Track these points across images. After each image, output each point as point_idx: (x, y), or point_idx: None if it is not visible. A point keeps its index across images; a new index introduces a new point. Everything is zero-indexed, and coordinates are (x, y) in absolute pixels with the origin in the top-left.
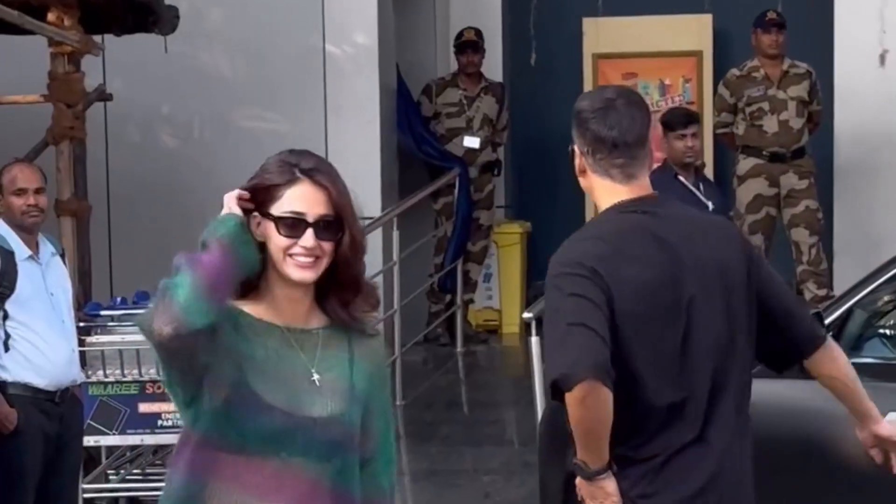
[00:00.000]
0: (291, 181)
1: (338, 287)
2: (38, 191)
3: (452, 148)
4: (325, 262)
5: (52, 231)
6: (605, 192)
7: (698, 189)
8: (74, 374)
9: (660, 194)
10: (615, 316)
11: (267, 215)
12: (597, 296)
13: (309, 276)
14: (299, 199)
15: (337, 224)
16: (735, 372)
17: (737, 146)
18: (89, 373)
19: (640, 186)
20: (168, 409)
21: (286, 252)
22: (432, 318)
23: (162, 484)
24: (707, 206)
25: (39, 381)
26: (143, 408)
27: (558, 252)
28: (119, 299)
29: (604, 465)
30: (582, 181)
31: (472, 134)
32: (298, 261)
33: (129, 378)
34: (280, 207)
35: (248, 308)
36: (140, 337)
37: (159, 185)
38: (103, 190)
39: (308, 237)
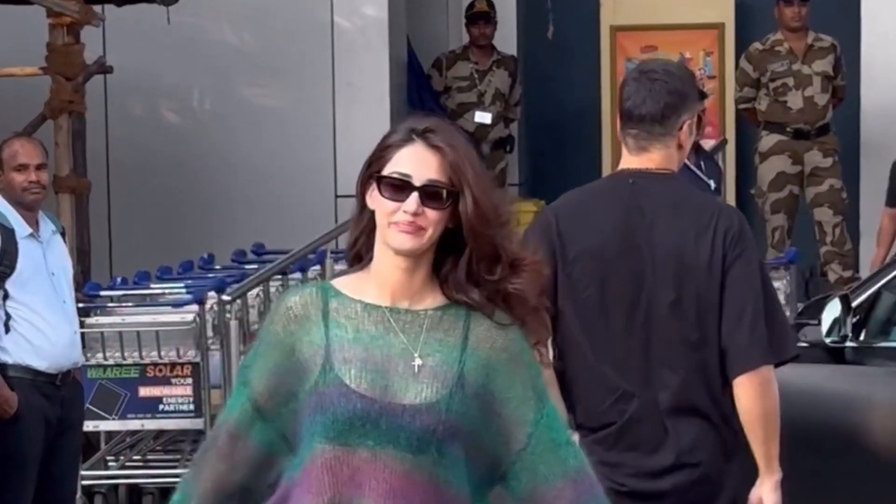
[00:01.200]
0: (404, 142)
1: (478, 261)
2: (39, 167)
3: (463, 124)
4: (430, 233)
5: (50, 208)
6: (622, 158)
7: (699, 168)
8: (76, 357)
9: (672, 172)
10: (562, 274)
11: (374, 177)
12: (541, 251)
13: (409, 244)
14: (408, 160)
15: (450, 192)
16: (690, 352)
17: (759, 122)
18: (88, 355)
19: (651, 160)
20: (170, 392)
21: (390, 218)
22: None
23: (163, 471)
24: (709, 185)
25: (40, 364)
26: (144, 391)
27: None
28: (119, 279)
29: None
30: None
31: (484, 109)
32: (400, 227)
33: (129, 361)
34: (388, 169)
35: (354, 285)
36: (141, 318)
37: (161, 160)
38: (103, 166)
39: (412, 201)
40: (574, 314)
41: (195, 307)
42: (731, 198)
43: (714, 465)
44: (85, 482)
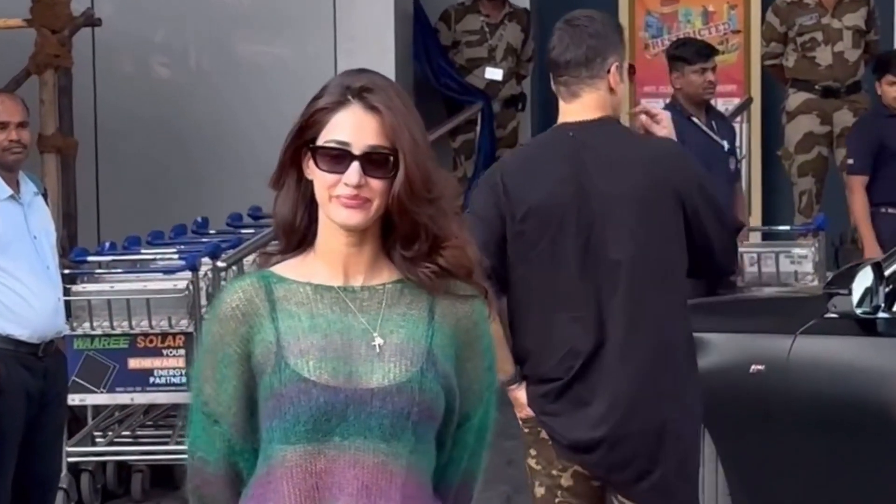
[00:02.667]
0: (340, 104)
1: (398, 237)
2: (21, 125)
3: (473, 80)
4: (377, 205)
5: (34, 169)
6: (561, 111)
7: (711, 128)
8: (60, 325)
9: (608, 118)
10: (512, 231)
11: (308, 147)
12: (488, 211)
13: (354, 219)
14: (345, 125)
15: (393, 158)
16: (648, 297)
17: (786, 79)
18: (74, 325)
19: (585, 106)
20: (161, 364)
21: (330, 192)
22: None
23: (154, 447)
24: (722, 147)
25: (22, 333)
26: (134, 363)
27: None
28: (108, 244)
29: (510, 377)
30: None
31: (495, 65)
32: (343, 201)
33: (118, 331)
34: (324, 137)
35: (296, 268)
36: (131, 285)
37: (153, 119)
38: (91, 125)
39: (352, 172)
40: (526, 271)
41: (188, 274)
42: (755, 160)
43: (657, 415)
44: (70, 459)
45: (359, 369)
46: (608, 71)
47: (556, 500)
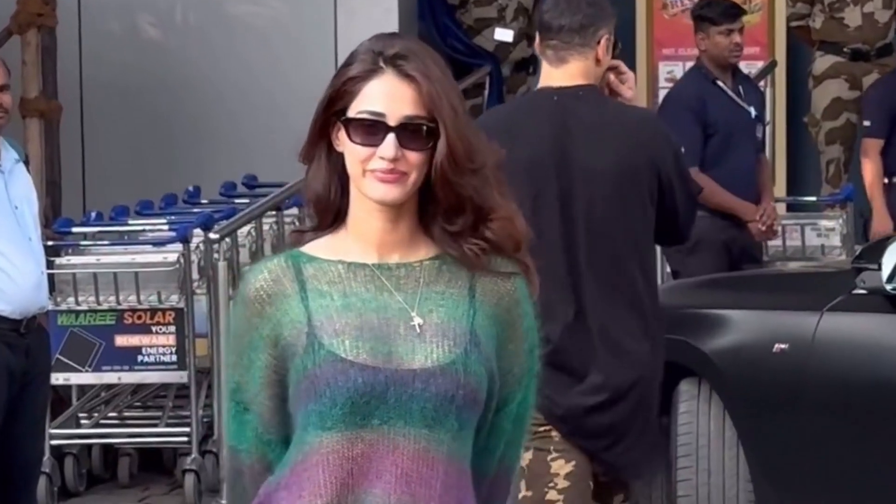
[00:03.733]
0: (372, 72)
1: (440, 211)
2: (1, 88)
3: (481, 42)
4: (414, 178)
5: (16, 135)
6: (543, 74)
7: (738, 93)
8: (42, 300)
9: (591, 87)
10: None
11: (340, 118)
12: None
13: (391, 194)
14: (379, 95)
15: (431, 128)
16: (624, 265)
17: (813, 42)
18: (58, 300)
19: (570, 73)
20: (150, 342)
21: (364, 166)
22: None
23: (142, 429)
24: (749, 113)
25: (3, 308)
26: (121, 341)
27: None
28: (94, 214)
29: None
30: None
31: (505, 25)
32: (378, 175)
33: (104, 306)
34: (356, 108)
35: (328, 246)
36: (118, 258)
37: (142, 82)
38: (76, 87)
39: (388, 145)
40: None
41: (179, 246)
42: (780, 127)
43: (632, 385)
44: (54, 442)
45: (399, 349)
46: (598, 42)
47: (549, 457)
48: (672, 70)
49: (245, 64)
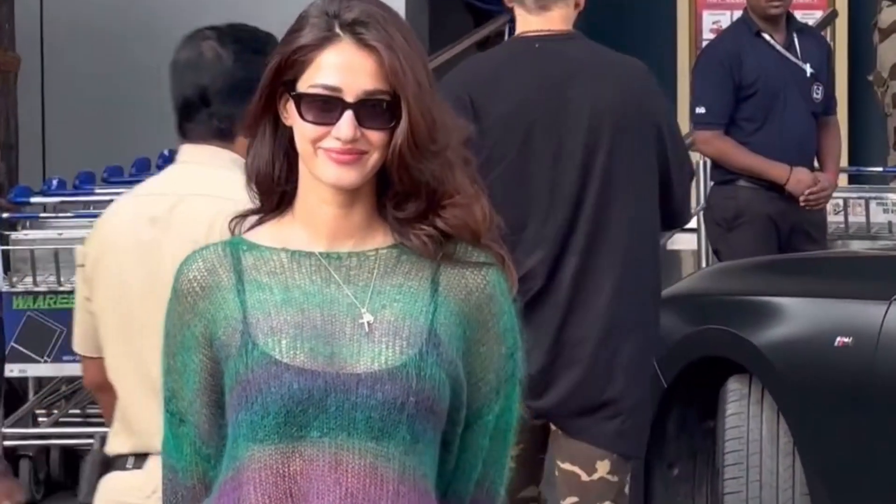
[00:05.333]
0: (326, 40)
1: (396, 197)
2: None
3: None
4: (374, 160)
5: None
6: (520, 21)
7: (792, 48)
8: None
9: (577, 32)
10: (477, 147)
11: (291, 92)
12: None
13: (348, 177)
14: (335, 67)
15: (393, 104)
16: (608, 213)
17: None
18: (14, 280)
19: (551, 20)
20: None
21: (316, 145)
22: None
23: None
24: (803, 71)
25: None
26: None
27: (451, 72)
28: (55, 182)
29: None
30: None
31: None
32: (333, 156)
33: (67, 287)
34: (308, 80)
35: (271, 233)
36: (83, 232)
37: (110, 32)
38: (36, 38)
39: (345, 124)
40: (490, 190)
41: None
42: (842, 86)
43: (609, 350)
44: (8, 443)
45: (342, 351)
46: None
47: None
48: (718, 20)
49: (229, 8)
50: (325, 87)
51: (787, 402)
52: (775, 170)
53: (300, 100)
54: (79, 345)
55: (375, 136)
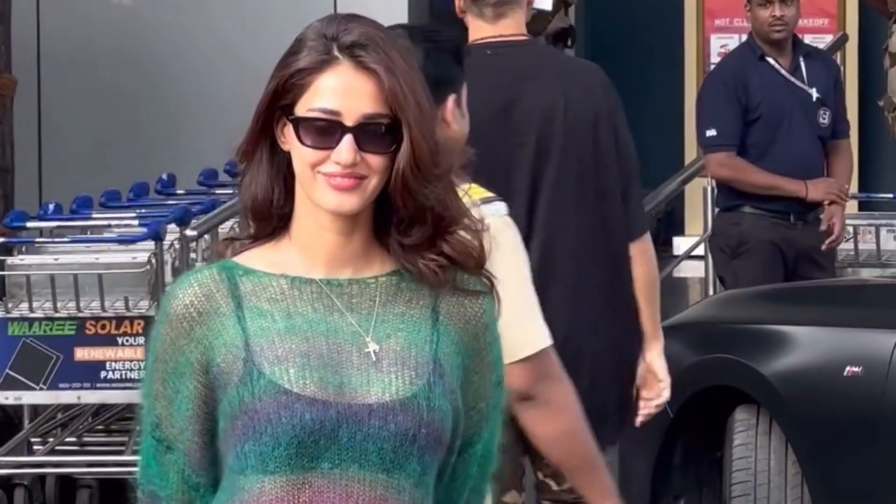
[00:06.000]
0: (325, 63)
1: (395, 221)
2: None
3: None
4: (374, 185)
5: None
6: (473, 29)
7: (798, 72)
8: None
9: (531, 38)
10: None
11: (288, 116)
12: None
13: (347, 204)
14: (334, 90)
15: (393, 127)
16: (569, 219)
17: (890, 13)
18: (10, 305)
19: (508, 26)
20: (115, 355)
21: (315, 169)
22: None
23: (104, 457)
24: (808, 95)
25: None
26: (81, 354)
27: None
28: (52, 206)
29: None
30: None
31: None
32: (333, 181)
33: (63, 314)
34: (306, 104)
35: (268, 257)
36: (80, 257)
37: (109, 53)
38: (33, 60)
39: (345, 148)
40: None
41: (150, 244)
42: (852, 111)
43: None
44: (3, 471)
45: (352, 381)
46: None
47: None
48: (726, 44)
49: (228, 30)
50: (324, 111)
51: (795, 433)
52: (792, 185)
53: (298, 124)
54: None
55: (375, 161)
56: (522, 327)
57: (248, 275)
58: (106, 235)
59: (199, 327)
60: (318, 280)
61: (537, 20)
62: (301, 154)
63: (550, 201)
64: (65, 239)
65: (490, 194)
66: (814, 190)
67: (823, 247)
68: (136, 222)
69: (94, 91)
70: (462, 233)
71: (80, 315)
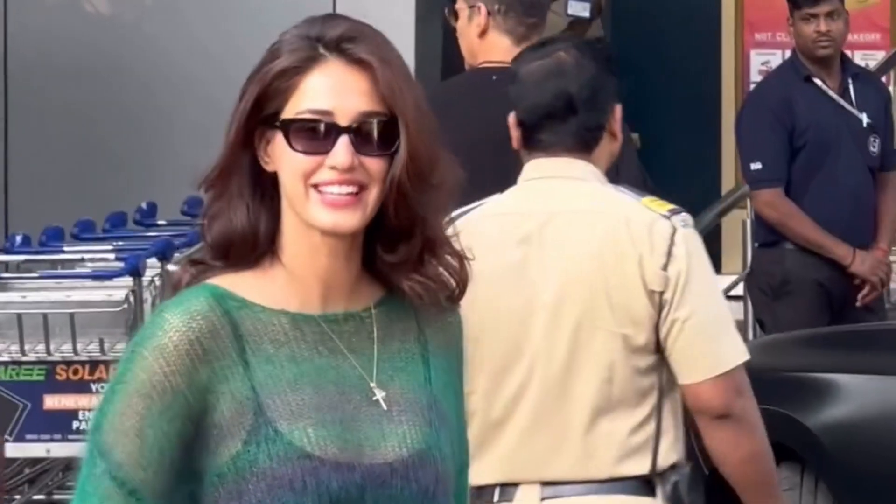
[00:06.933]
0: (311, 62)
1: (388, 236)
2: None
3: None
4: (375, 195)
5: None
6: (497, 48)
7: (846, 94)
8: None
9: None
10: None
11: (273, 122)
12: None
13: (347, 221)
14: (323, 88)
15: (391, 126)
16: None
17: None
18: None
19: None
20: (88, 404)
21: (308, 181)
22: None
23: None
24: (858, 120)
25: None
26: (51, 402)
27: None
28: (18, 238)
29: None
30: (470, 41)
31: None
32: (329, 194)
33: (31, 357)
34: (294, 108)
35: (257, 286)
36: (50, 294)
37: (81, 69)
38: None
39: (341, 149)
40: None
41: (128, 280)
42: None
43: None
44: None
45: (369, 436)
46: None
47: None
48: (768, 60)
49: (215, 42)
50: (315, 112)
51: (843, 493)
52: (840, 249)
53: (289, 128)
54: None
55: (374, 165)
56: (722, 342)
57: (245, 309)
58: (79, 270)
59: (202, 367)
60: (317, 317)
61: (575, 28)
62: (292, 164)
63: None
64: (33, 274)
65: (673, 206)
66: (860, 263)
67: (858, 302)
68: (112, 256)
69: (66, 110)
70: (451, 256)
71: (50, 359)
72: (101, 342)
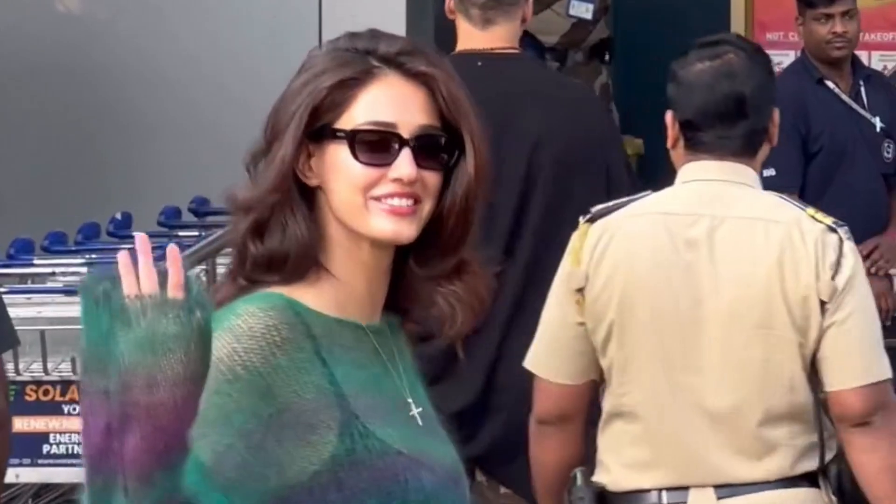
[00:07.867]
0: (367, 75)
1: (427, 250)
2: None
3: (551, 18)
4: (427, 210)
5: None
6: (463, 36)
7: (858, 97)
8: None
9: (523, 52)
10: None
11: (332, 134)
12: None
13: (407, 230)
14: (384, 101)
15: (451, 141)
16: (546, 250)
17: None
18: None
19: (497, 36)
20: (59, 426)
21: (368, 193)
22: None
23: None
24: (872, 125)
25: None
26: (21, 424)
27: None
28: None
29: None
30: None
31: None
32: (391, 205)
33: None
34: (350, 119)
35: (315, 295)
36: (19, 311)
37: (55, 71)
38: None
39: (405, 161)
40: None
41: None
42: None
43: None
44: None
45: (427, 441)
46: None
47: None
48: (780, 62)
49: (196, 46)
50: (378, 124)
51: None
52: None
53: (353, 139)
54: (544, 366)
55: (432, 180)
56: (871, 355)
57: (310, 314)
58: (50, 285)
59: (281, 355)
60: (366, 327)
61: (577, 29)
62: (351, 175)
63: (534, 233)
64: (1, 289)
65: (835, 218)
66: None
67: None
68: (85, 270)
69: (36, 115)
70: (476, 276)
71: (19, 378)
72: (73, 361)
